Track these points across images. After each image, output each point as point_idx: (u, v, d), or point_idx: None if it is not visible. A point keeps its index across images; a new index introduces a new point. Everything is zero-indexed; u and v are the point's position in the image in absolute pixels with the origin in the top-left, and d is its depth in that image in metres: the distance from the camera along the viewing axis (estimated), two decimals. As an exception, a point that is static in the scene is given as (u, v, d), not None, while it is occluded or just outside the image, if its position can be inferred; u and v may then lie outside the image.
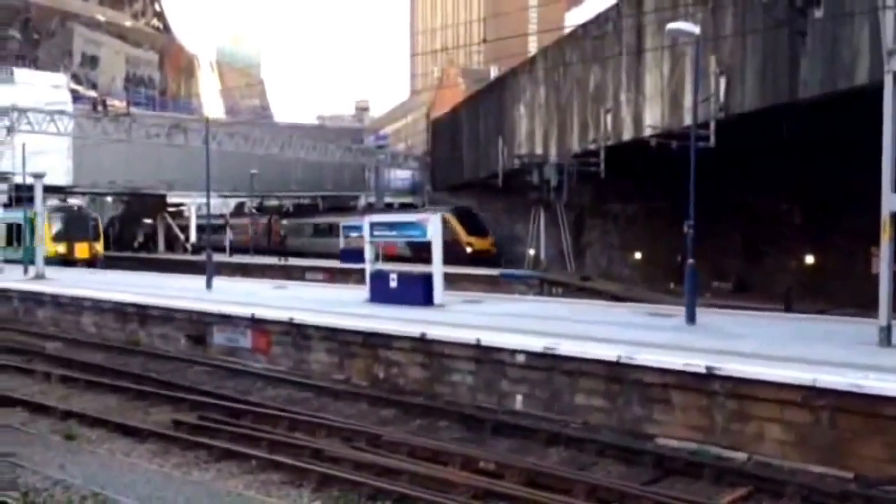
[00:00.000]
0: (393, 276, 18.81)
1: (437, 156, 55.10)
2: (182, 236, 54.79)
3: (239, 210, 63.69)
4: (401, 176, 63.31)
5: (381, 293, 18.71)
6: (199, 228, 49.14)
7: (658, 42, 22.43)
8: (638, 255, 33.07)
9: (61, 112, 40.38)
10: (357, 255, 24.40)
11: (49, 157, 37.56)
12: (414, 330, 13.93)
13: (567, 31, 35.02)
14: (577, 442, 10.55)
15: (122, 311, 20.48)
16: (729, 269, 28.72)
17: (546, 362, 11.99)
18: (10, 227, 39.87)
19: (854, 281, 21.66)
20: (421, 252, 34.60)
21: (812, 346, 11.92)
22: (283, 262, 41.16)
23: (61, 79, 52.10)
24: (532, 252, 32.86)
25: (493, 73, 63.46)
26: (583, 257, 35.27)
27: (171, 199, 53.38)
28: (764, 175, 25.93)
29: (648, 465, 9.67)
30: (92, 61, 71.53)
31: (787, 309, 20.53)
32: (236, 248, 48.37)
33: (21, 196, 33.41)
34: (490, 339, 12.89)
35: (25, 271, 30.18)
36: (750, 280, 28.04)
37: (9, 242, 39.80)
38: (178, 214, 56.70)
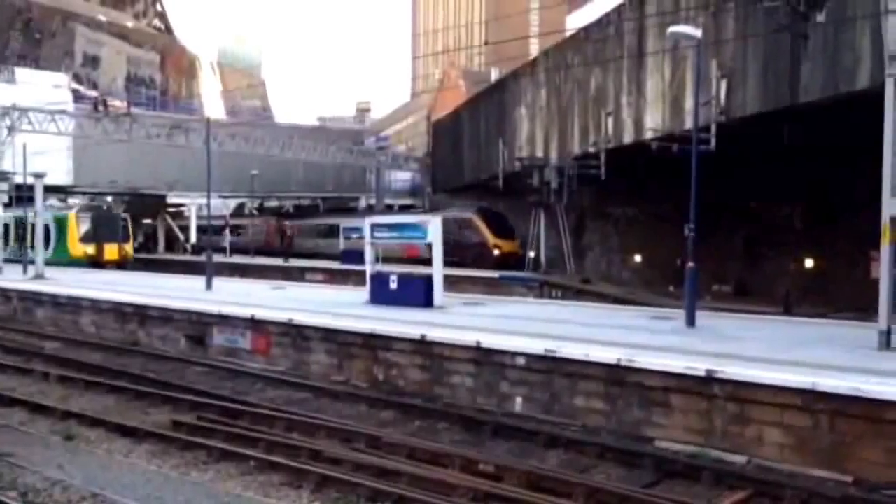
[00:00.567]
0: (393, 277, 18.81)
1: (437, 157, 55.08)
2: (182, 237, 54.76)
3: (239, 211, 63.68)
4: (401, 177, 63.33)
5: (381, 294, 18.71)
6: (200, 229, 48.96)
7: (659, 45, 22.42)
8: (638, 258, 33.05)
9: (62, 112, 40.33)
10: (357, 256, 24.40)
11: (50, 157, 37.22)
12: (414, 331, 13.92)
13: (568, 33, 35.02)
14: (576, 444, 10.54)
15: (121, 312, 20.48)
16: (729, 273, 28.69)
17: (546, 365, 11.98)
18: (34, 228, 39.02)
19: (854, 285, 21.65)
20: (446, 254, 34.55)
21: (812, 350, 11.92)
22: (286, 263, 41.02)
23: (62, 79, 52.14)
24: (532, 254, 32.84)
25: (494, 75, 63.44)
26: (583, 260, 35.25)
27: (171, 200, 53.35)
28: (765, 179, 25.91)
29: (648, 468, 9.66)
30: (93, 61, 71.57)
31: (787, 312, 20.52)
32: (235, 249, 48.30)
33: (29, 196, 32.90)
34: (490, 341, 12.88)
35: (25, 271, 30.14)
36: (750, 283, 28.01)
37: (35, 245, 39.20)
38: (178, 215, 56.69)
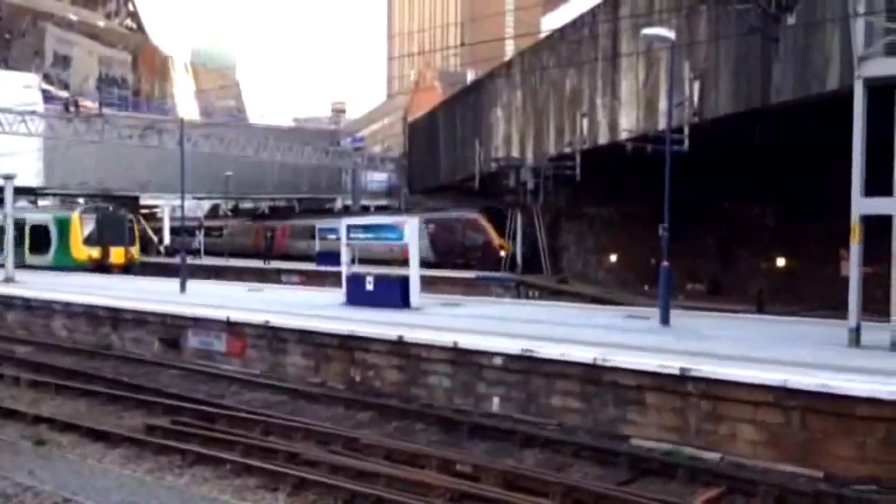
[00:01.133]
0: (369, 278, 18.78)
1: (413, 158, 55.06)
2: (156, 239, 54.21)
3: (214, 212, 63.15)
4: (377, 178, 63.22)
5: (357, 296, 18.66)
6: (174, 231, 48.35)
7: (633, 47, 22.60)
8: (613, 258, 33.27)
9: (32, 112, 39.74)
10: (333, 257, 24.31)
11: (19, 159, 36.64)
12: (391, 332, 13.90)
13: (543, 35, 35.19)
14: (553, 443, 10.60)
15: (93, 315, 20.22)
16: (703, 272, 28.99)
17: (523, 364, 12.03)
18: (35, 230, 36.34)
19: (824, 283, 21.97)
20: (446, 255, 34.12)
21: (783, 348, 12.08)
22: (267, 265, 40.51)
23: (32, 79, 51.29)
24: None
25: (470, 76, 63.56)
26: (559, 260, 35.42)
27: (144, 201, 52.81)
28: (737, 179, 26.21)
29: (623, 466, 9.74)
30: (64, 61, 70.59)
31: (759, 310, 20.77)
32: (217, 253, 47.77)
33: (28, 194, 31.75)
34: (467, 341, 12.90)
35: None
36: (723, 282, 28.32)
37: (35, 248, 36.27)
38: (151, 217, 56.11)
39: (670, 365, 10.55)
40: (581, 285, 28.71)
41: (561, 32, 29.69)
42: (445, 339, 13.18)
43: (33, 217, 37.55)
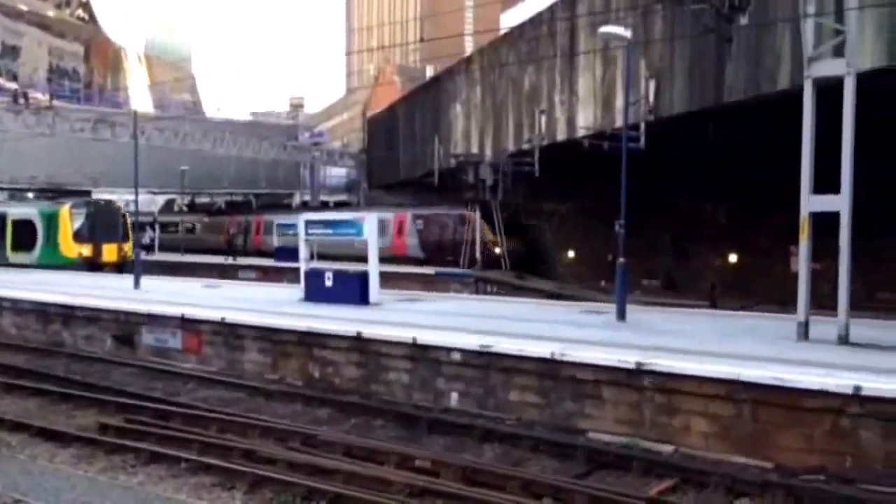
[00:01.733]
0: (328, 274, 18.67)
1: (373, 154, 54.91)
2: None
3: (168, 207, 62.10)
4: (336, 174, 62.89)
5: (316, 292, 18.54)
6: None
7: (591, 45, 22.87)
8: (571, 254, 33.63)
9: (-22, 104, 38.64)
10: (292, 253, 24.10)
11: (-35, 152, 35.48)
12: (349, 329, 13.86)
13: (503, 32, 35.35)
14: (511, 438, 10.68)
15: (43, 312, 19.75)
16: (658, 267, 29.51)
17: (481, 360, 12.10)
18: (18, 225, 33.25)
19: (775, 278, 22.55)
20: (436, 252, 33.46)
21: (735, 342, 12.35)
22: (234, 261, 39.67)
23: (-22, 69, 49.85)
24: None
25: (430, 72, 63.59)
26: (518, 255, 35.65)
27: (96, 196, 51.70)
28: (691, 177, 26.71)
29: (580, 459, 9.85)
30: (12, 51, 68.65)
31: (712, 305, 21.21)
32: (165, 247, 46.94)
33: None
34: (426, 337, 12.92)
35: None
36: (678, 278, 28.88)
37: (18, 245, 33.25)
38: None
39: (627, 359, 10.71)
40: (539, 281, 28.97)
41: (520, 29, 29.90)
42: (404, 335, 13.19)
43: (16, 211, 34.47)
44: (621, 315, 15.13)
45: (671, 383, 10.27)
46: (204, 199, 63.29)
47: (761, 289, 23.27)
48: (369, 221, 18.43)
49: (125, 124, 37.44)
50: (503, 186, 31.08)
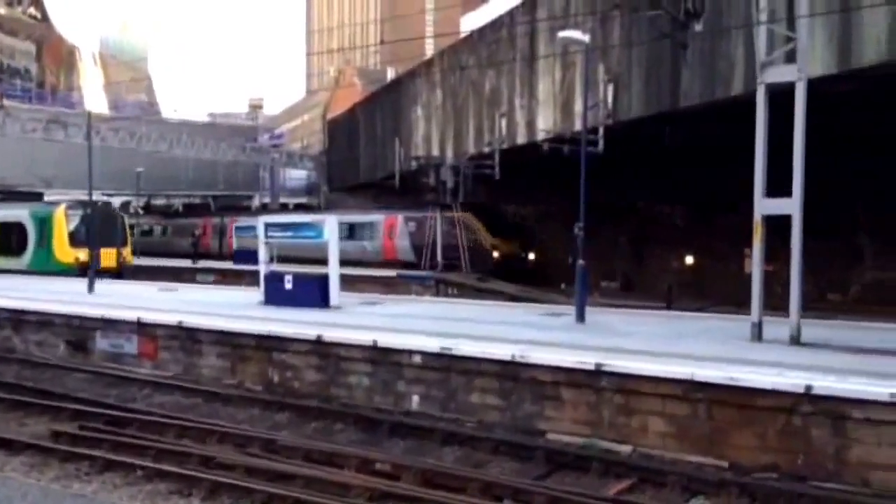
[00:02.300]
0: (288, 277, 18.51)
1: (333, 156, 54.58)
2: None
3: (124, 210, 60.84)
4: (296, 176, 62.40)
5: (275, 295, 18.37)
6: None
7: (550, 49, 23.05)
8: (531, 256, 33.83)
9: (-75, 103, 37.47)
10: (251, 256, 23.84)
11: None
12: (310, 332, 13.76)
13: (463, 35, 35.46)
14: (472, 440, 10.71)
15: (-7, 317, 19.22)
16: (616, 269, 29.87)
17: (442, 362, 12.11)
18: (6, 228, 30.98)
19: (730, 280, 22.98)
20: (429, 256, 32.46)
21: (691, 342, 12.57)
22: (195, 264, 38.73)
23: (-75, 67, 48.37)
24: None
25: (391, 74, 63.48)
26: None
27: (49, 198, 50.46)
28: (649, 180, 27.12)
29: (540, 461, 9.93)
30: (-40, 50, 66.78)
31: (669, 307, 21.54)
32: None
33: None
34: (387, 340, 12.90)
35: None
36: (636, 279, 29.26)
37: (5, 250, 30.89)
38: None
39: (586, 360, 10.82)
40: (500, 283, 29.07)
41: (480, 33, 30.01)
42: (365, 338, 13.14)
43: (2, 213, 32.10)
44: (580, 317, 15.28)
45: (629, 384, 10.41)
46: (160, 202, 62.26)
47: (717, 290, 23.69)
48: (329, 224, 18.34)
49: (79, 125, 36.68)
50: (464, 189, 31.14)
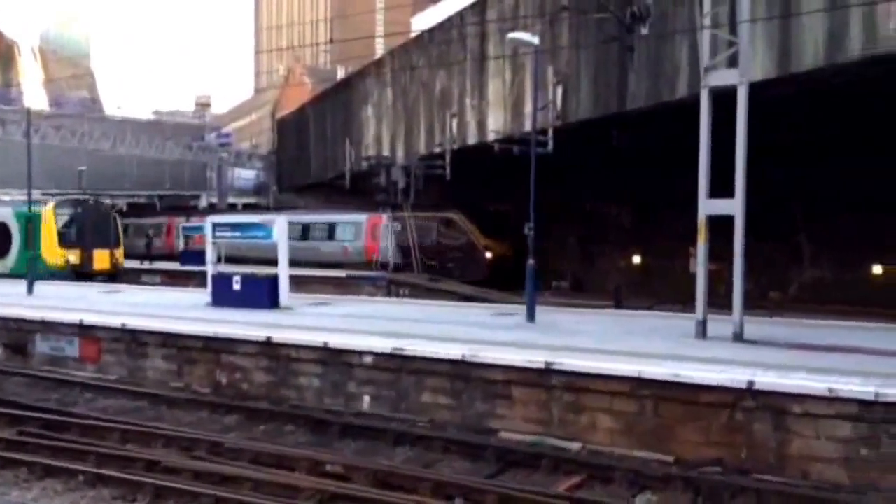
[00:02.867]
0: (236, 278, 18.25)
1: (283, 155, 53.97)
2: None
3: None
4: (245, 175, 61.47)
5: (223, 296, 18.09)
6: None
7: (500, 50, 23.20)
8: (489, 255, 33.88)
9: None
10: (198, 257, 23.42)
11: None
12: (258, 333, 13.60)
13: (414, 35, 35.44)
14: (423, 440, 10.71)
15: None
16: (566, 269, 30.19)
17: (394, 363, 12.09)
18: None
19: (676, 279, 23.43)
20: (426, 259, 31.15)
21: (639, 340, 12.78)
22: (150, 265, 37.55)
23: None
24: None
25: (341, 73, 63.06)
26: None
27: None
28: (597, 180, 27.48)
29: (491, 459, 9.98)
30: None
31: (618, 306, 21.86)
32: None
33: None
34: (337, 341, 12.81)
35: None
36: (585, 279, 29.62)
37: None
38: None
39: (536, 359, 10.92)
40: (452, 283, 29.13)
41: (431, 33, 30.04)
42: (315, 338, 13.04)
43: None
44: (531, 316, 15.41)
45: (578, 382, 10.53)
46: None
47: (664, 289, 24.13)
48: (279, 224, 18.14)
49: (18, 122, 35.57)
50: (415, 189, 31.11)
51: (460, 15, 27.00)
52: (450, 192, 32.27)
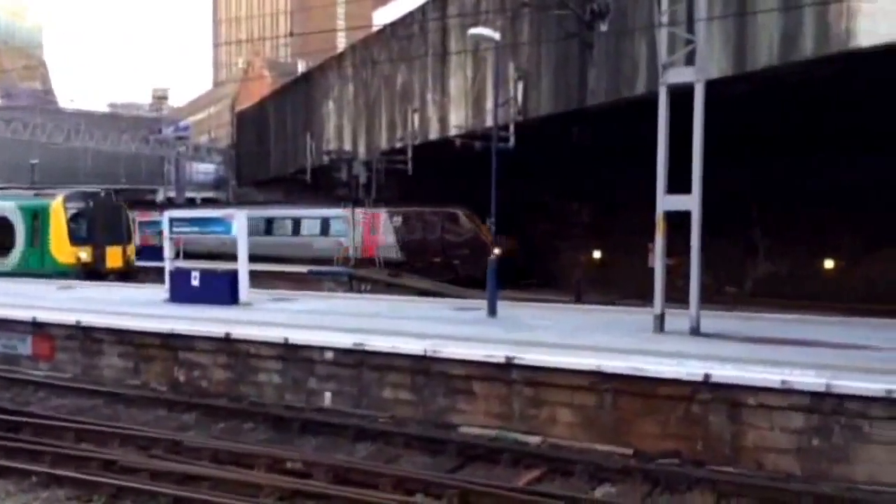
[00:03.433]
0: (195, 274, 17.99)
1: (242, 149, 53.35)
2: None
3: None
4: (203, 170, 60.69)
5: (182, 292, 17.82)
6: None
7: (462, 45, 23.24)
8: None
9: None
10: (156, 252, 23.03)
11: None
12: (217, 330, 13.43)
13: (375, 29, 35.29)
14: (384, 436, 10.70)
15: None
16: (533, 265, 30.36)
17: (354, 358, 12.05)
18: None
19: (634, 273, 23.75)
20: (419, 254, 29.91)
21: (598, 335, 12.92)
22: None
23: None
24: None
25: (301, 67, 62.46)
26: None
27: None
28: (558, 176, 27.71)
29: (452, 454, 10.01)
30: None
31: (578, 300, 22.09)
32: None
33: None
34: (298, 337, 12.72)
35: None
36: (549, 274, 29.85)
37: None
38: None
39: (496, 354, 10.97)
40: (413, 278, 29.12)
41: (392, 27, 29.95)
42: (275, 334, 12.93)
43: None
44: (492, 311, 15.48)
45: (538, 376, 10.61)
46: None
47: (623, 284, 24.45)
48: (238, 219, 17.92)
49: (-34, 114, 34.49)
50: (376, 184, 31.03)
51: (422, 10, 26.97)
52: (411, 188, 32.25)
